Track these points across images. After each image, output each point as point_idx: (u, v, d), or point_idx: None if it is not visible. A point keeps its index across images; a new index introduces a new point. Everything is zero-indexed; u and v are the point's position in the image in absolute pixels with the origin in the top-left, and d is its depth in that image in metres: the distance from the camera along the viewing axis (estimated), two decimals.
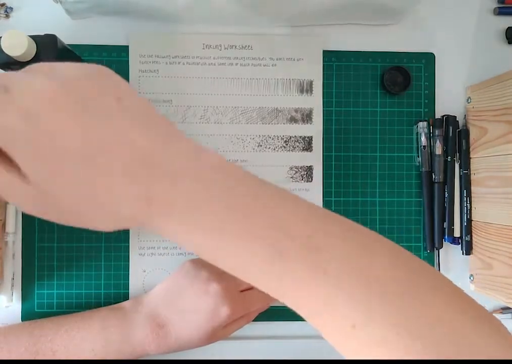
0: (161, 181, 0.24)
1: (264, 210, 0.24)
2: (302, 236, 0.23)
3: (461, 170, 0.54)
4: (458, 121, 0.54)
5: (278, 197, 0.25)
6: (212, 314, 0.44)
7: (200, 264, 0.47)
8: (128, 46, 0.52)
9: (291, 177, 0.53)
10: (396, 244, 0.25)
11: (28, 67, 0.26)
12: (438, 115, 0.55)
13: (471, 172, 0.53)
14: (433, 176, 0.53)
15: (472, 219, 0.53)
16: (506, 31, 0.55)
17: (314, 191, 0.53)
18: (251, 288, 0.48)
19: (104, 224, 0.25)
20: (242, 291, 0.46)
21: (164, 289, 0.47)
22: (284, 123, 0.53)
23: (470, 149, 0.54)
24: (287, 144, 0.53)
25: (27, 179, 0.24)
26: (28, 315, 0.51)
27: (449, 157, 0.53)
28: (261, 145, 0.53)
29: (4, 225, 0.50)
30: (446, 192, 0.53)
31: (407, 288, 0.23)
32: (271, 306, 0.50)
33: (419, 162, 0.54)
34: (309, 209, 0.25)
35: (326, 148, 0.54)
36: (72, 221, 0.26)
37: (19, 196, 0.25)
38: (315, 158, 0.53)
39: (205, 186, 0.24)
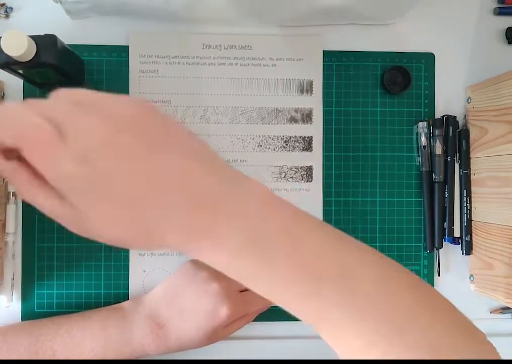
0: (224, 218, 0.25)
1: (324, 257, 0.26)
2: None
3: (461, 170, 0.53)
4: (458, 121, 0.54)
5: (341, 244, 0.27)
6: (212, 314, 0.44)
7: (200, 264, 0.47)
8: (127, 46, 0.52)
9: (291, 177, 0.53)
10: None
11: (70, 94, 0.28)
12: (438, 115, 0.55)
13: (471, 172, 0.53)
14: (433, 176, 0.53)
15: (472, 219, 0.53)
16: (506, 31, 0.55)
17: (314, 191, 0.53)
18: None
19: (136, 244, 0.27)
20: (242, 291, 0.46)
21: (164, 290, 0.47)
22: (284, 123, 0.53)
23: (470, 149, 0.54)
24: (287, 144, 0.53)
25: (67, 204, 0.25)
26: (27, 315, 0.51)
27: (449, 157, 0.53)
28: (261, 145, 0.53)
29: (4, 225, 0.50)
30: (446, 192, 0.53)
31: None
32: (271, 306, 0.50)
33: (419, 162, 0.54)
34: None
35: (326, 148, 0.54)
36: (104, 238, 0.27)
37: (59, 215, 0.26)
38: (315, 159, 0.53)
39: (264, 226, 0.25)
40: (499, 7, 0.55)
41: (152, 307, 0.46)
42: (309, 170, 0.53)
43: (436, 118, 0.54)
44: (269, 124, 0.53)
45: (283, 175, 0.53)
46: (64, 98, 0.27)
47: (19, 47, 0.39)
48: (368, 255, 0.27)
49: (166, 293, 0.47)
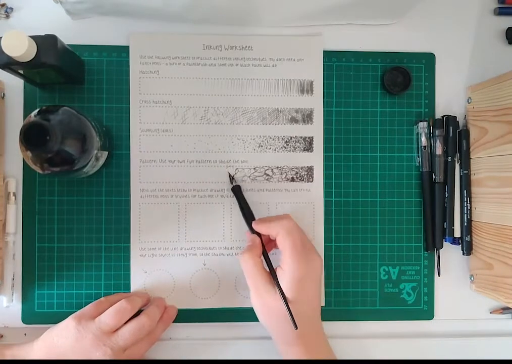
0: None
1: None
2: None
3: (461, 170, 0.54)
4: (458, 121, 0.54)
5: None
6: None
7: (83, 323, 0.46)
8: (128, 46, 0.52)
9: (292, 177, 0.53)
10: None
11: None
12: (438, 115, 0.55)
13: (471, 172, 0.53)
14: (433, 176, 0.53)
15: (472, 219, 0.53)
16: (506, 31, 0.55)
17: (315, 191, 0.53)
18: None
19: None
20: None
21: (45, 349, 0.45)
22: (284, 124, 0.53)
23: (471, 149, 0.54)
24: (287, 145, 0.53)
25: None
26: (28, 315, 0.51)
27: (449, 157, 0.53)
28: (261, 146, 0.53)
29: (4, 225, 0.50)
30: (446, 193, 0.53)
31: None
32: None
33: (419, 162, 0.54)
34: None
35: (326, 149, 0.54)
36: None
37: None
38: (316, 159, 0.53)
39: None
40: (499, 7, 0.55)
41: None
42: (309, 170, 0.53)
43: (436, 118, 0.54)
44: (270, 124, 0.53)
45: (283, 176, 0.53)
46: None
47: (20, 48, 0.39)
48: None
49: (48, 355, 0.45)
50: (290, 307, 0.45)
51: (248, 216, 0.50)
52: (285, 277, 0.46)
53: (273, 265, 0.47)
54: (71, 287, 0.51)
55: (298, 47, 0.53)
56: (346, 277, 0.53)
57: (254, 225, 0.49)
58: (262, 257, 0.48)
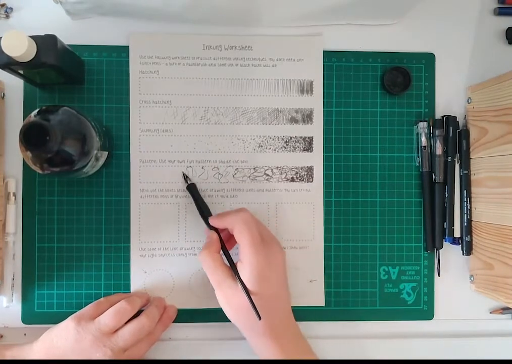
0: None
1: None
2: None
3: (461, 170, 0.54)
4: (458, 121, 0.54)
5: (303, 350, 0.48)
6: None
7: (82, 324, 0.45)
8: (127, 46, 0.52)
9: (291, 178, 0.53)
10: None
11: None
12: (438, 115, 0.55)
13: (471, 172, 0.53)
14: (433, 176, 0.53)
15: (472, 219, 0.53)
16: (506, 31, 0.55)
17: (314, 192, 0.53)
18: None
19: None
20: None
21: (45, 350, 0.45)
22: (284, 124, 0.53)
23: (471, 149, 0.54)
24: (287, 145, 0.53)
25: None
26: (28, 315, 0.51)
27: (449, 157, 0.53)
28: (261, 146, 0.53)
29: (4, 225, 0.50)
30: (446, 193, 0.53)
31: None
32: None
33: (419, 162, 0.54)
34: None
35: (326, 149, 0.54)
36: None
37: None
38: (315, 159, 0.53)
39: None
40: (499, 7, 0.55)
41: None
42: (309, 171, 0.53)
43: (436, 118, 0.54)
44: (269, 124, 0.53)
45: (283, 176, 0.53)
46: None
47: (20, 48, 0.39)
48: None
49: (47, 356, 0.45)
50: (252, 299, 0.44)
51: (205, 212, 0.50)
52: (245, 271, 0.45)
53: (234, 260, 0.47)
54: (71, 287, 0.51)
55: (298, 47, 0.53)
56: (346, 277, 0.53)
57: (210, 220, 0.48)
58: (222, 253, 0.47)
